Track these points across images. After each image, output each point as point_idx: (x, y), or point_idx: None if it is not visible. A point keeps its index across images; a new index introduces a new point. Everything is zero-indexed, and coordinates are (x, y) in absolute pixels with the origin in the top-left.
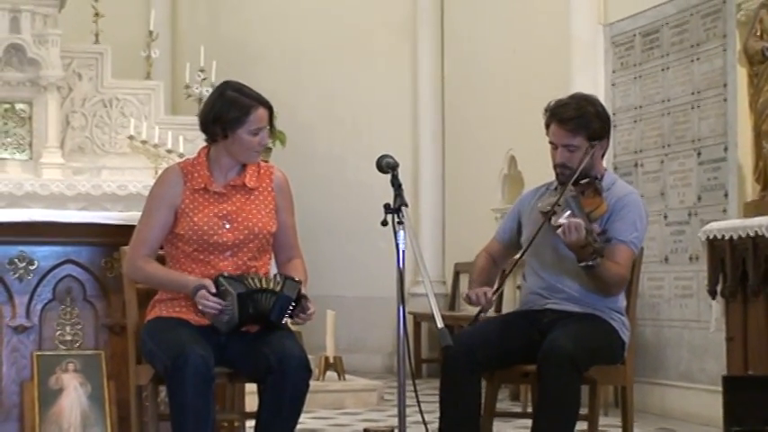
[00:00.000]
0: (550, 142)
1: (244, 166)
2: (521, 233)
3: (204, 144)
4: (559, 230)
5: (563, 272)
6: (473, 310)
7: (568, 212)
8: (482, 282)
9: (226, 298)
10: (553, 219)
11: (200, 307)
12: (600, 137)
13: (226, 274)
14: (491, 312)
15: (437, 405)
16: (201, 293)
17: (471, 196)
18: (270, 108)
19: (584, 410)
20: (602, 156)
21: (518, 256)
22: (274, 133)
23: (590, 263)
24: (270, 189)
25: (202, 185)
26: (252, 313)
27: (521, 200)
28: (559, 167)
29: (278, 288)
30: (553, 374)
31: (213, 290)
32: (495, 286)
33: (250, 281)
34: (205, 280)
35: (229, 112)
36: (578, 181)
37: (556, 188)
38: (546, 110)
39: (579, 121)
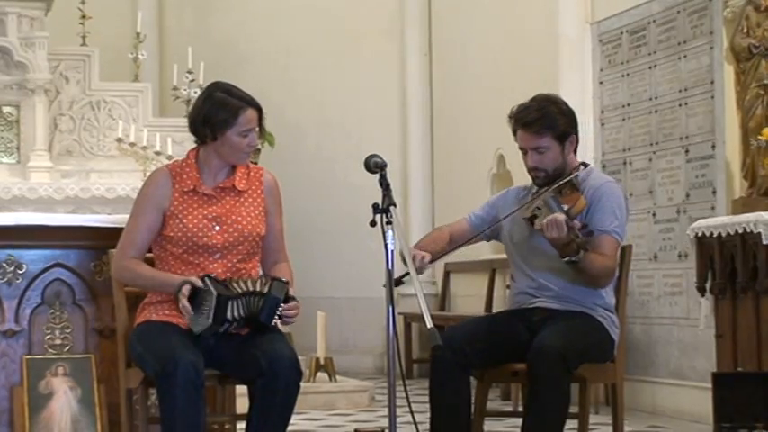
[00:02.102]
0: (520, 148)
1: (233, 168)
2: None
3: (193, 146)
4: (542, 224)
5: (551, 271)
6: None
7: (550, 216)
8: (426, 247)
9: (206, 298)
10: (536, 222)
11: (179, 304)
12: (567, 134)
13: (213, 275)
14: (479, 310)
15: (428, 405)
16: (182, 291)
17: (460, 196)
18: (259, 109)
19: (574, 409)
20: (574, 150)
21: (472, 238)
22: (264, 134)
23: (573, 258)
24: (260, 191)
25: (191, 187)
26: (239, 316)
27: (505, 196)
28: (533, 171)
29: (265, 289)
30: (543, 373)
31: (199, 284)
32: (436, 257)
33: (234, 285)
34: (192, 278)
35: (218, 113)
36: (555, 180)
37: (536, 191)
38: (509, 117)
39: (543, 121)
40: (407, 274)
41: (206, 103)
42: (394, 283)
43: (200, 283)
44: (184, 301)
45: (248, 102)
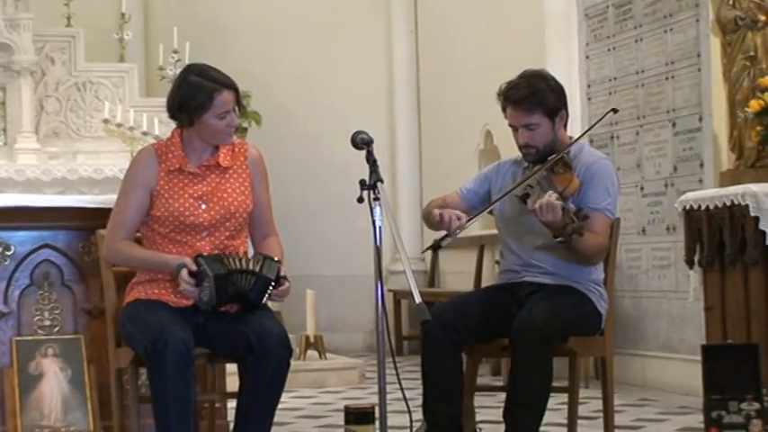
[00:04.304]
0: (510, 125)
1: (217, 146)
2: (486, 201)
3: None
4: (536, 206)
5: (540, 249)
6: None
7: (544, 198)
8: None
9: (204, 279)
10: (529, 201)
11: (180, 287)
12: (557, 110)
13: (204, 254)
14: (468, 287)
15: (418, 381)
16: (181, 275)
17: (448, 172)
18: (235, 89)
19: (564, 383)
20: (565, 126)
21: (476, 214)
22: (245, 113)
23: (566, 239)
24: (245, 167)
25: (177, 166)
26: (232, 293)
27: (497, 170)
28: (524, 148)
29: (257, 268)
30: (524, 348)
31: (193, 268)
32: (470, 216)
33: (229, 261)
34: (185, 258)
35: (193, 98)
36: (546, 157)
37: (527, 166)
38: (498, 94)
39: (533, 98)
40: (447, 236)
41: (180, 88)
42: (433, 246)
43: (194, 267)
44: (186, 286)
45: (223, 83)
